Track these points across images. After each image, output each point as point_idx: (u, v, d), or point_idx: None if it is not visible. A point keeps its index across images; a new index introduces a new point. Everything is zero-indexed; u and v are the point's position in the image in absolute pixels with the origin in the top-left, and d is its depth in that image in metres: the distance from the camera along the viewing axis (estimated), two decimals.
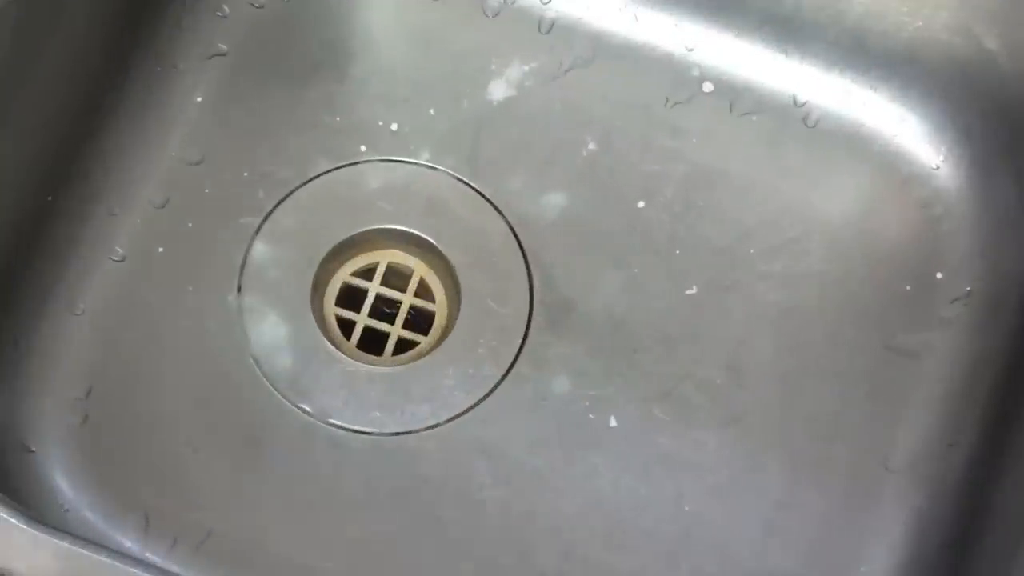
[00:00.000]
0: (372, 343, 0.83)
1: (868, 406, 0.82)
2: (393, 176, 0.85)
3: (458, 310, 0.83)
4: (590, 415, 0.81)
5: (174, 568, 0.78)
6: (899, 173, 0.86)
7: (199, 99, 0.86)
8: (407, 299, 0.84)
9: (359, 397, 0.81)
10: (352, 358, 0.82)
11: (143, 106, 0.85)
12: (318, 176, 0.85)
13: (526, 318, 0.83)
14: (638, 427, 0.81)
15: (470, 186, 0.85)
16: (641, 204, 0.85)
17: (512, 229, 0.84)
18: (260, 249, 0.84)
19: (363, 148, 0.86)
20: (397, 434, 0.81)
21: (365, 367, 0.82)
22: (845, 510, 0.81)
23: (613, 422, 0.81)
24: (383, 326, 0.84)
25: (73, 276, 0.82)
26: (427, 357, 0.82)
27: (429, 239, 0.84)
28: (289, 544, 0.79)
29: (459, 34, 0.88)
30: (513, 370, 0.82)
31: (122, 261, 0.83)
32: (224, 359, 0.82)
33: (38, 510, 0.77)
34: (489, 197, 0.85)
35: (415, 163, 0.86)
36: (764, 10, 0.86)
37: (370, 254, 0.85)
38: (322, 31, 0.88)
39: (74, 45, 0.81)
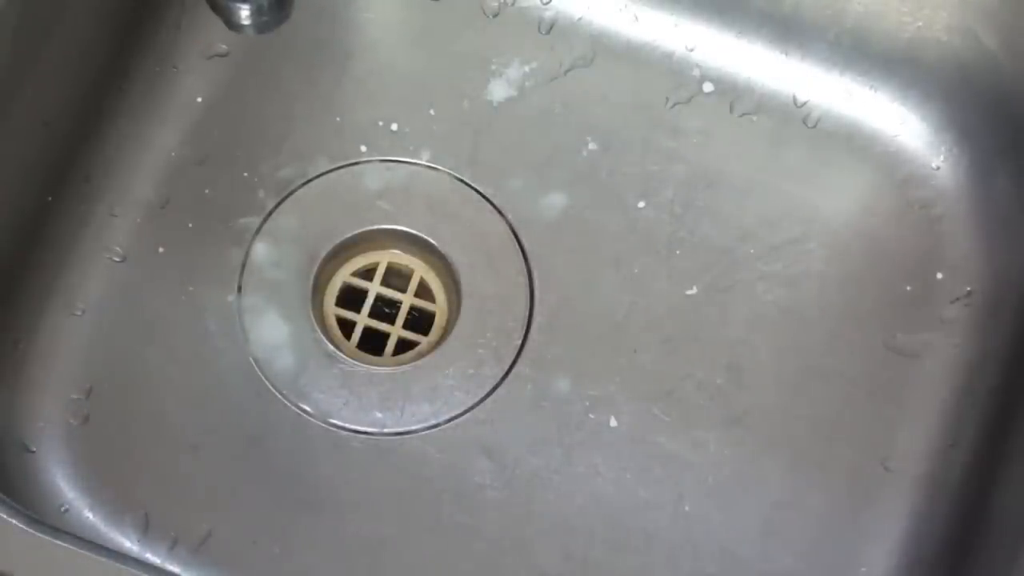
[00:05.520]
0: (372, 343, 0.83)
1: (868, 406, 0.82)
2: (393, 176, 0.85)
3: (458, 310, 0.83)
4: (590, 415, 0.81)
5: (174, 568, 0.78)
6: (899, 173, 0.86)
7: (199, 99, 0.86)
8: (407, 299, 0.84)
9: (359, 397, 0.81)
10: (352, 358, 0.82)
11: (143, 106, 0.85)
12: (318, 176, 0.85)
13: (526, 318, 0.83)
14: (638, 427, 0.81)
15: (470, 186, 0.85)
16: (641, 204, 0.85)
17: (512, 229, 0.84)
18: (260, 249, 0.83)
19: (363, 148, 0.86)
20: (397, 434, 0.81)
21: (365, 367, 0.82)
22: (845, 510, 0.81)
23: (613, 422, 0.81)
24: (383, 326, 0.84)
25: (73, 276, 0.82)
26: (427, 357, 0.82)
27: (429, 239, 0.84)
28: (289, 544, 0.79)
29: (459, 34, 0.88)
30: (513, 370, 0.82)
31: (122, 261, 0.83)
32: (224, 359, 0.82)
33: (38, 510, 0.77)
34: (489, 197, 0.85)
35: (415, 163, 0.86)
36: (764, 10, 0.86)
37: (370, 254, 0.85)
38: (322, 31, 0.88)
39: (74, 46, 0.81)
